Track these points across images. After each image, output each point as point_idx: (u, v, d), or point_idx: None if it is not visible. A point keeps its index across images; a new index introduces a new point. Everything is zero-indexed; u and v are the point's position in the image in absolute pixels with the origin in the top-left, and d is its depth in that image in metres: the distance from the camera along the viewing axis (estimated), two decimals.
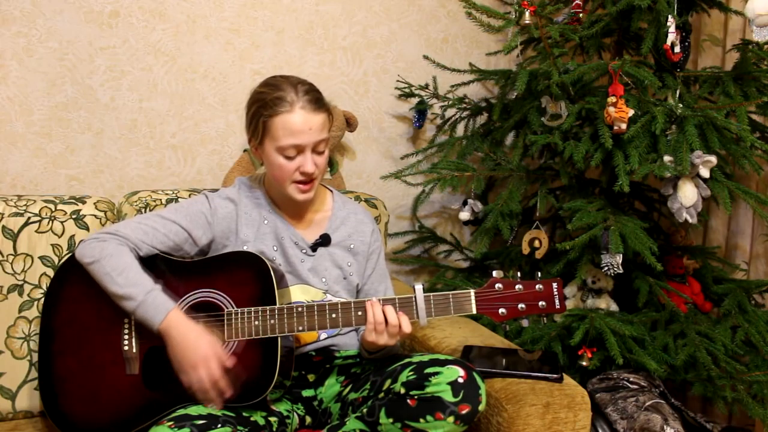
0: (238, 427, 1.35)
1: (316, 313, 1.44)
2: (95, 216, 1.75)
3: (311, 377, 1.59)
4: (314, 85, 1.54)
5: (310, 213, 1.64)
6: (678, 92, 1.97)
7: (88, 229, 1.73)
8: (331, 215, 1.65)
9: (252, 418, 1.41)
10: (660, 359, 1.86)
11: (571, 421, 1.50)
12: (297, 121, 1.46)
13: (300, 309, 1.43)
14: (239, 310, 1.44)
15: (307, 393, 1.59)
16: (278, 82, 1.50)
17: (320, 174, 1.53)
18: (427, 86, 2.44)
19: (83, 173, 2.12)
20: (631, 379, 1.88)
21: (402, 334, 1.44)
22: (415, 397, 1.36)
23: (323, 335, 1.59)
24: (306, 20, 2.31)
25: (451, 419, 1.33)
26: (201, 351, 1.36)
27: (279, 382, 1.42)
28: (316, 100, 1.50)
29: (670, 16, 1.89)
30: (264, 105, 1.48)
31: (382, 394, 1.43)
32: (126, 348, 1.45)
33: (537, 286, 1.46)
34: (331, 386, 1.60)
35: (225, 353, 1.39)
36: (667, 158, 1.82)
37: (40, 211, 1.71)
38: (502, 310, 1.45)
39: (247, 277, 1.45)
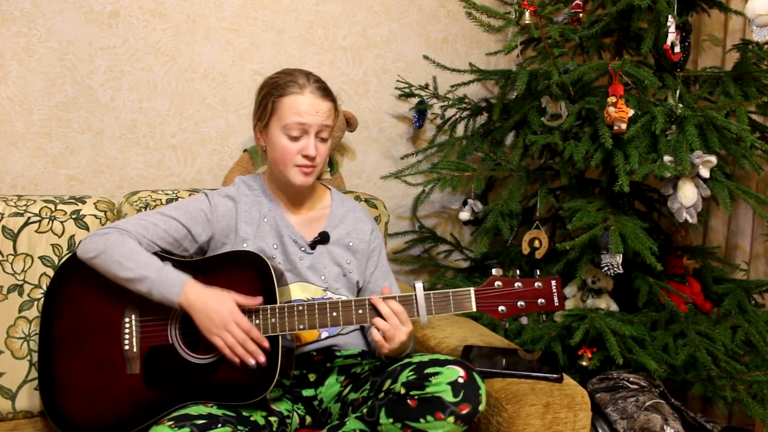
0: (238, 427, 1.35)
1: (316, 311, 1.44)
2: (95, 216, 1.75)
3: (312, 377, 1.59)
4: (323, 80, 1.60)
5: (309, 210, 1.65)
6: (678, 92, 1.97)
7: (88, 229, 1.73)
8: (330, 213, 1.66)
9: (252, 418, 1.41)
10: (660, 359, 1.86)
11: (571, 421, 1.50)
12: (305, 103, 1.51)
13: (301, 307, 1.43)
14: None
15: (307, 392, 1.59)
16: (291, 70, 1.58)
17: (321, 162, 1.56)
18: (427, 86, 2.44)
19: (83, 173, 2.12)
20: (631, 379, 1.88)
21: (403, 321, 1.43)
22: (415, 397, 1.36)
23: (324, 334, 1.59)
24: (306, 20, 2.32)
25: (451, 419, 1.33)
26: (219, 316, 1.38)
27: (278, 382, 1.42)
28: (325, 89, 1.57)
29: (670, 16, 1.89)
30: (275, 87, 1.54)
31: (382, 394, 1.43)
32: (127, 348, 1.45)
33: (536, 284, 1.46)
34: (331, 386, 1.60)
35: (243, 317, 1.39)
36: (667, 158, 1.82)
37: (40, 211, 1.71)
38: (501, 308, 1.45)
39: (247, 276, 1.46)
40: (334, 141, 2.24)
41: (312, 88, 1.53)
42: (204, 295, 1.40)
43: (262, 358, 1.40)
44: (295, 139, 1.53)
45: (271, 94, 1.55)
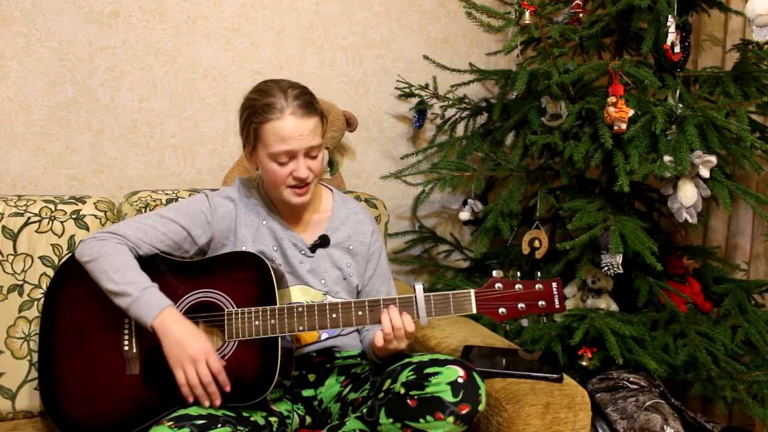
0: (238, 427, 1.35)
1: (316, 312, 1.44)
2: (95, 216, 1.75)
3: (311, 377, 1.59)
4: (306, 89, 1.52)
5: (309, 214, 1.64)
6: (678, 92, 1.97)
7: (88, 229, 1.73)
8: (331, 215, 1.65)
9: (252, 418, 1.41)
10: (660, 359, 1.86)
11: (571, 421, 1.50)
12: (287, 128, 1.44)
13: (300, 309, 1.43)
14: (239, 310, 1.44)
15: (307, 393, 1.59)
16: (268, 87, 1.49)
17: (316, 177, 1.53)
18: (427, 86, 2.44)
19: (83, 173, 2.12)
20: (631, 379, 1.88)
21: (408, 335, 1.44)
22: (415, 397, 1.36)
23: (324, 335, 1.59)
24: (306, 20, 2.32)
25: (450, 419, 1.33)
26: (192, 350, 1.36)
27: (278, 382, 1.42)
28: (307, 104, 1.47)
29: (670, 16, 1.89)
30: (254, 112, 1.47)
31: (381, 394, 1.43)
32: (126, 348, 1.45)
33: (537, 286, 1.46)
34: (331, 386, 1.60)
35: (216, 357, 1.37)
36: (667, 158, 1.82)
37: (40, 211, 1.71)
38: (502, 310, 1.45)
39: (247, 277, 1.45)
40: (333, 141, 2.24)
41: (292, 108, 1.44)
42: (181, 326, 1.38)
43: (217, 402, 1.37)
44: (284, 164, 1.48)
45: (250, 120, 1.48)
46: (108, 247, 1.44)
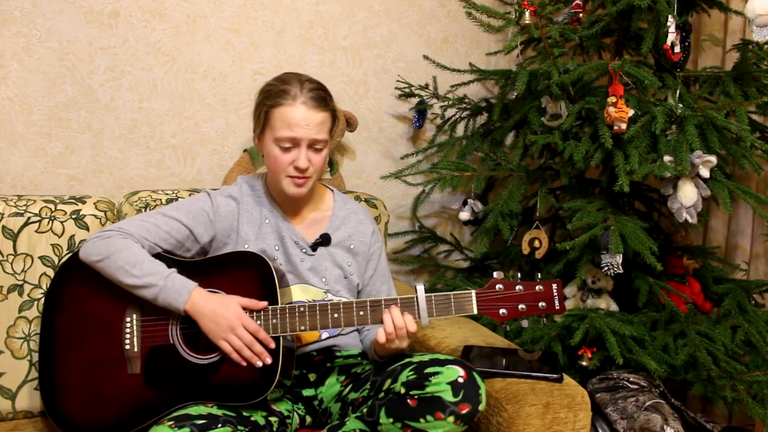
0: (239, 427, 1.35)
1: (318, 312, 1.44)
2: (95, 216, 1.75)
3: (312, 376, 1.59)
4: (323, 86, 1.56)
5: (310, 212, 1.64)
6: (678, 92, 1.97)
7: (88, 229, 1.73)
8: (332, 215, 1.65)
9: (252, 418, 1.41)
10: (660, 359, 1.86)
11: (571, 421, 1.50)
12: (296, 115, 1.48)
13: (302, 308, 1.44)
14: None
15: (307, 392, 1.59)
16: (288, 77, 1.54)
17: (316, 172, 1.54)
18: (427, 86, 2.44)
19: (83, 173, 2.12)
20: (631, 379, 1.88)
21: (409, 335, 1.45)
22: (415, 396, 1.36)
23: (324, 335, 1.59)
24: (306, 20, 2.32)
25: (451, 419, 1.33)
26: (226, 320, 1.39)
27: (279, 382, 1.42)
28: (319, 98, 1.51)
29: (670, 16, 1.89)
30: (268, 96, 1.52)
31: (382, 394, 1.43)
32: (127, 347, 1.45)
33: (537, 287, 1.47)
34: (332, 386, 1.60)
35: (250, 319, 1.41)
36: (667, 158, 1.82)
37: (40, 211, 1.71)
38: (502, 311, 1.45)
39: (248, 277, 1.46)
40: (334, 142, 2.24)
41: (305, 98, 1.49)
42: (210, 302, 1.41)
43: (269, 360, 1.40)
44: (286, 150, 1.50)
45: (264, 103, 1.52)
46: (117, 243, 1.44)
